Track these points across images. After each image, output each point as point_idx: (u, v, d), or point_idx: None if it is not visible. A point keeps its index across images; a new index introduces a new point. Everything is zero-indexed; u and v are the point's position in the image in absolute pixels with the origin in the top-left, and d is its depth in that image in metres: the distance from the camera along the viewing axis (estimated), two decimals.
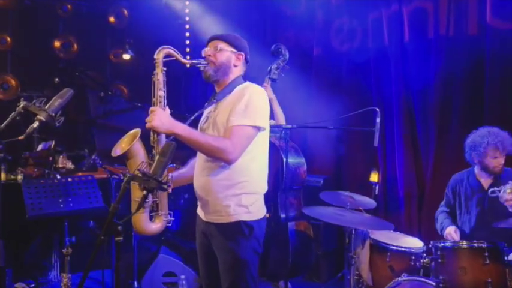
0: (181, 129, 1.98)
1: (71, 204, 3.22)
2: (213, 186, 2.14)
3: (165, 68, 2.12)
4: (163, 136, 2.03)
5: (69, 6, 5.24)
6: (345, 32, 4.47)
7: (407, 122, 4.00)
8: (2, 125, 1.80)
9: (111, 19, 5.60)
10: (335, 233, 4.22)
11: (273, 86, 3.59)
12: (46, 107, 1.87)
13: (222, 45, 2.20)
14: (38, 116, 1.82)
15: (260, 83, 4.14)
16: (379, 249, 2.94)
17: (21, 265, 3.89)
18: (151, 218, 2.07)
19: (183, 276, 3.81)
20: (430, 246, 2.69)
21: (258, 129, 2.12)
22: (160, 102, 2.06)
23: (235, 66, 2.23)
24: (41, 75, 5.22)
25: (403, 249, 2.91)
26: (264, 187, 2.27)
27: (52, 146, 3.87)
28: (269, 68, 3.67)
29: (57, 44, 5.26)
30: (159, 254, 3.94)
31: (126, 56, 5.36)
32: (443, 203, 3.28)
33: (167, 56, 2.13)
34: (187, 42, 5.97)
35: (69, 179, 3.40)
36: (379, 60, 4.19)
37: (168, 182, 1.51)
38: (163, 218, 2.08)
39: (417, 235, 3.41)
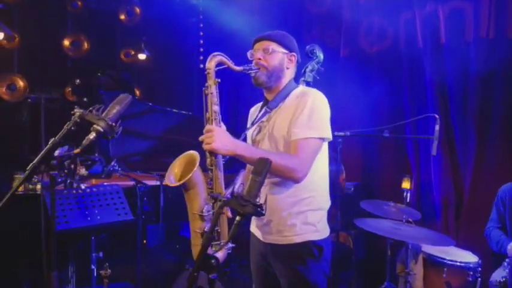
0: (243, 149, 1.79)
1: (98, 217, 3.00)
2: (275, 204, 1.95)
3: (218, 80, 1.89)
4: (220, 157, 1.82)
5: (79, 3, 4.97)
6: (374, 33, 4.30)
7: (443, 126, 3.83)
8: (57, 138, 1.56)
9: (122, 17, 5.34)
10: (364, 242, 4.06)
11: None
12: (103, 115, 1.64)
13: (272, 46, 2.00)
14: (94, 126, 1.59)
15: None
16: (433, 264, 2.78)
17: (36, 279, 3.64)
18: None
19: None
20: (506, 263, 2.52)
21: (323, 140, 1.95)
22: (215, 118, 1.83)
23: (287, 68, 2.04)
24: (50, 75, 4.95)
25: (458, 263, 2.76)
26: (328, 202, 2.09)
27: (74, 151, 3.60)
28: (303, 70, 3.48)
29: (66, 42, 4.99)
30: (186, 266, 3.72)
31: (142, 56, 5.11)
32: (491, 218, 3.12)
33: (219, 64, 1.89)
34: (201, 41, 5.75)
35: (94, 189, 3.17)
36: (413, 63, 4.02)
37: (263, 206, 1.30)
38: (224, 247, 1.81)
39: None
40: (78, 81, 4.42)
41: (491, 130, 3.61)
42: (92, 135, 1.58)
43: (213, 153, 1.77)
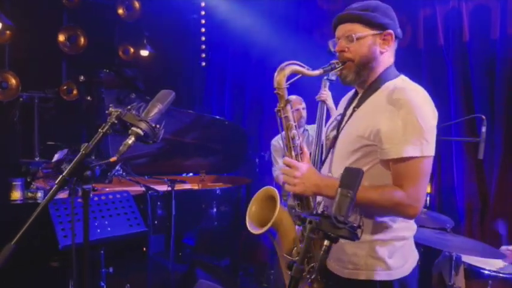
0: (329, 189, 1.40)
1: (109, 229, 2.72)
2: None
3: (290, 100, 1.52)
4: None
5: None
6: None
7: (467, 127, 3.66)
8: (90, 144, 1.31)
9: (120, 11, 5.04)
10: None
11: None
12: (143, 115, 1.39)
13: (357, 30, 1.52)
14: (133, 129, 1.33)
15: (310, 84, 3.76)
16: (477, 276, 2.58)
17: None
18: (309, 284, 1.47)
19: None
20: None
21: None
22: (293, 146, 1.49)
23: (381, 53, 1.56)
24: (44, 73, 4.63)
25: (501, 274, 2.57)
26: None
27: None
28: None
29: (61, 37, 4.67)
30: (199, 280, 3.47)
31: (144, 53, 4.82)
32: None
33: (291, 76, 1.51)
34: (203, 38, 5.50)
35: (103, 197, 2.89)
36: (434, 61, 3.84)
37: (361, 228, 1.06)
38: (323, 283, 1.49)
39: None
40: (82, 77, 4.11)
41: None
42: (131, 140, 1.33)
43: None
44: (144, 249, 3.82)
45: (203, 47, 5.48)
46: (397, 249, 1.53)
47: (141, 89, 4.43)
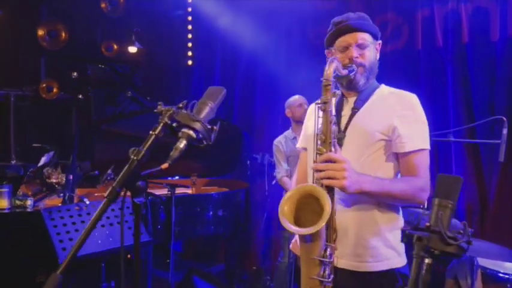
0: (370, 183, 1.50)
1: (110, 239, 2.52)
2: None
3: (338, 92, 1.72)
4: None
5: None
6: (388, 31, 4.07)
7: (467, 129, 3.66)
8: (142, 149, 1.13)
9: (103, 5, 4.77)
10: None
11: None
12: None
13: (367, 38, 1.68)
14: (185, 131, 1.16)
15: (308, 84, 3.65)
16: (495, 280, 2.54)
17: None
18: None
19: None
20: None
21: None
22: (332, 141, 1.49)
23: (376, 60, 1.76)
24: (22, 69, 4.31)
25: None
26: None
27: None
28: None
29: (40, 32, 4.36)
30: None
31: (133, 49, 4.56)
32: None
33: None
34: (190, 36, 5.30)
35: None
36: (433, 63, 3.83)
37: (470, 241, 0.97)
38: None
39: None
40: (75, 74, 3.81)
41: None
42: (183, 144, 1.16)
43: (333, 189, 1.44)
44: (129, 256, 3.62)
45: (190, 44, 5.27)
46: (399, 236, 1.63)
47: (138, 87, 4.19)
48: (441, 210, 0.98)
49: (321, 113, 1.51)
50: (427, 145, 1.63)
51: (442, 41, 3.79)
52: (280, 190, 3.97)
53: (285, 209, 1.39)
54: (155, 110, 1.16)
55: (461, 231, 0.97)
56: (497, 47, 3.55)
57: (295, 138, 3.77)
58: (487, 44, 3.59)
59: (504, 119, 2.45)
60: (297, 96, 3.82)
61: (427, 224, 0.99)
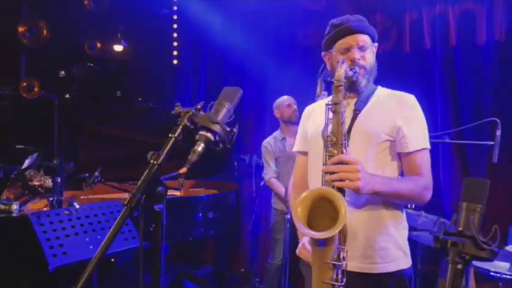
0: (380, 184, 1.51)
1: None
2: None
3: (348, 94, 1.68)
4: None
5: None
6: (377, 33, 4.08)
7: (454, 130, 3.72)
8: (162, 152, 1.08)
9: (86, 1, 4.63)
10: None
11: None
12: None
13: (367, 40, 1.71)
14: (203, 133, 1.12)
15: (301, 86, 3.64)
16: (485, 278, 2.60)
17: None
18: None
19: None
20: None
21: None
22: (344, 142, 1.49)
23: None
24: (1, 67, 4.13)
25: (508, 276, 2.59)
26: None
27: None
28: (321, 68, 3.16)
29: (20, 29, 4.20)
30: None
31: (118, 48, 4.45)
32: None
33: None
34: (175, 35, 5.21)
35: (92, 208, 2.58)
36: (420, 65, 3.88)
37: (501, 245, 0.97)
38: None
39: None
40: (63, 72, 3.66)
41: (505, 136, 3.54)
42: (201, 147, 1.11)
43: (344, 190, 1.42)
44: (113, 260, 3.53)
45: (175, 44, 5.18)
46: (405, 236, 1.71)
47: (126, 86, 4.08)
48: (471, 214, 0.97)
49: (331, 114, 1.50)
50: (428, 144, 1.67)
51: (430, 44, 3.84)
52: (268, 191, 3.95)
53: (299, 212, 1.35)
54: (172, 112, 1.11)
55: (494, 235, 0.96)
56: (484, 50, 3.62)
57: (284, 139, 3.76)
58: (474, 48, 3.66)
59: (498, 120, 2.48)
60: (285, 97, 3.80)
61: (460, 228, 0.97)
